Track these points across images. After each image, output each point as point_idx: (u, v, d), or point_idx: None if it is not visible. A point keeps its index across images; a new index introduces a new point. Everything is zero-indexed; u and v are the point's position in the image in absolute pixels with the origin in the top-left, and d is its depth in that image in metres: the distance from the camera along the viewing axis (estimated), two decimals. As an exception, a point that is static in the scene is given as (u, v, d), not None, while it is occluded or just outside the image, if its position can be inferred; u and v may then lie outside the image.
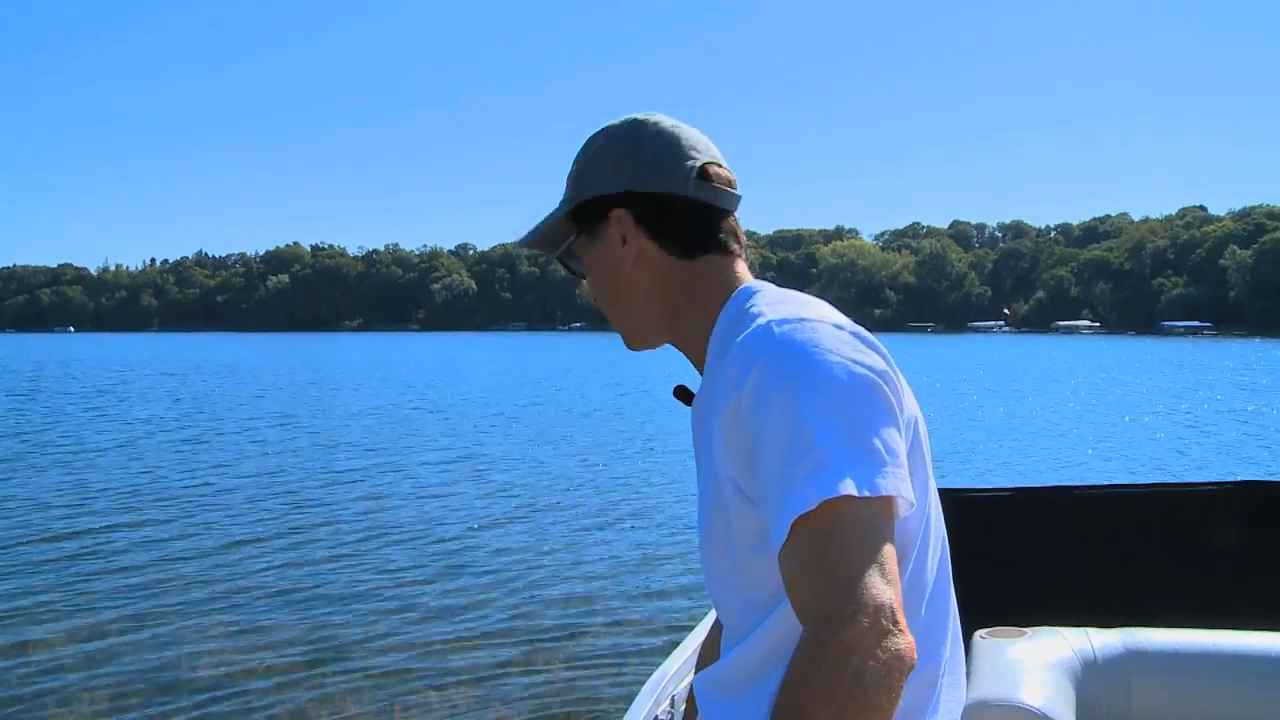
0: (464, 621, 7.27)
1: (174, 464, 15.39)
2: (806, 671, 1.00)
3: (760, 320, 1.23)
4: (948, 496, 2.88)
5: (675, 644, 2.67)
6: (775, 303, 1.28)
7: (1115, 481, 3.70)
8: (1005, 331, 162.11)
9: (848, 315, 1.23)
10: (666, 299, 1.39)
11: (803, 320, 1.20)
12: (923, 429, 1.29)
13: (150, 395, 31.57)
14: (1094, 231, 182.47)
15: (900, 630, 1.01)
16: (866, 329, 1.21)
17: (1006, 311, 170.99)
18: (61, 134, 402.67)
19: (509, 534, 10.43)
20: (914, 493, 1.16)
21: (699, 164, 1.37)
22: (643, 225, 1.37)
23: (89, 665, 6.26)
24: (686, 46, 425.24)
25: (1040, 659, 2.06)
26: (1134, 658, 2.10)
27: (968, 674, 2.07)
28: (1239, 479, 2.84)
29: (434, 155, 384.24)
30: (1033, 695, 1.90)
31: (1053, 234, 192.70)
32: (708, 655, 1.72)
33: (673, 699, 2.37)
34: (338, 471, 14.68)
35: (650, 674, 2.48)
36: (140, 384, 37.50)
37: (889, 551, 1.06)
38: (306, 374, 45.21)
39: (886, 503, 1.08)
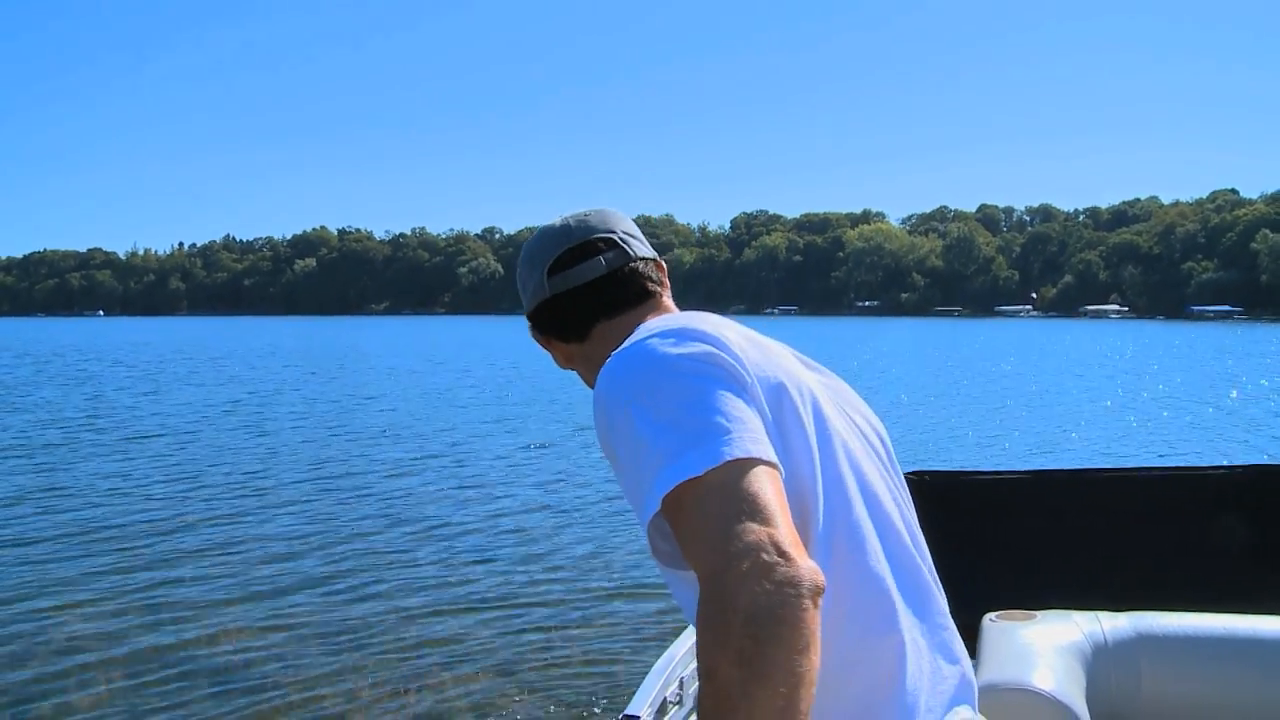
0: (477, 603, 7.29)
1: (218, 450, 15.44)
2: (701, 630, 1.01)
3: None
4: (955, 480, 2.94)
5: (684, 627, 2.63)
6: (628, 339, 1.33)
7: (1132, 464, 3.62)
8: (1033, 316, 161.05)
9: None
10: (595, 374, 1.46)
11: (631, 344, 1.28)
12: (807, 394, 1.30)
13: (201, 379, 31.72)
14: (1123, 215, 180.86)
15: (788, 558, 1.00)
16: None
17: (1034, 295, 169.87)
18: (91, 120, 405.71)
19: (530, 517, 10.45)
20: (796, 455, 1.22)
21: (547, 264, 1.53)
22: (548, 333, 1.58)
23: (107, 645, 6.30)
24: (713, 34, 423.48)
25: (1050, 642, 2.07)
26: (1144, 641, 2.11)
27: (978, 657, 2.09)
28: (1251, 463, 2.81)
29: (460, 139, 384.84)
30: (1043, 678, 1.91)
31: (1081, 217, 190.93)
32: None
33: (681, 681, 2.38)
34: (375, 457, 14.70)
35: (659, 656, 2.49)
36: (186, 367, 37.78)
37: (759, 497, 1.06)
38: (353, 357, 45.54)
39: (735, 465, 1.08)
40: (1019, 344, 61.97)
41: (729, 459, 1.08)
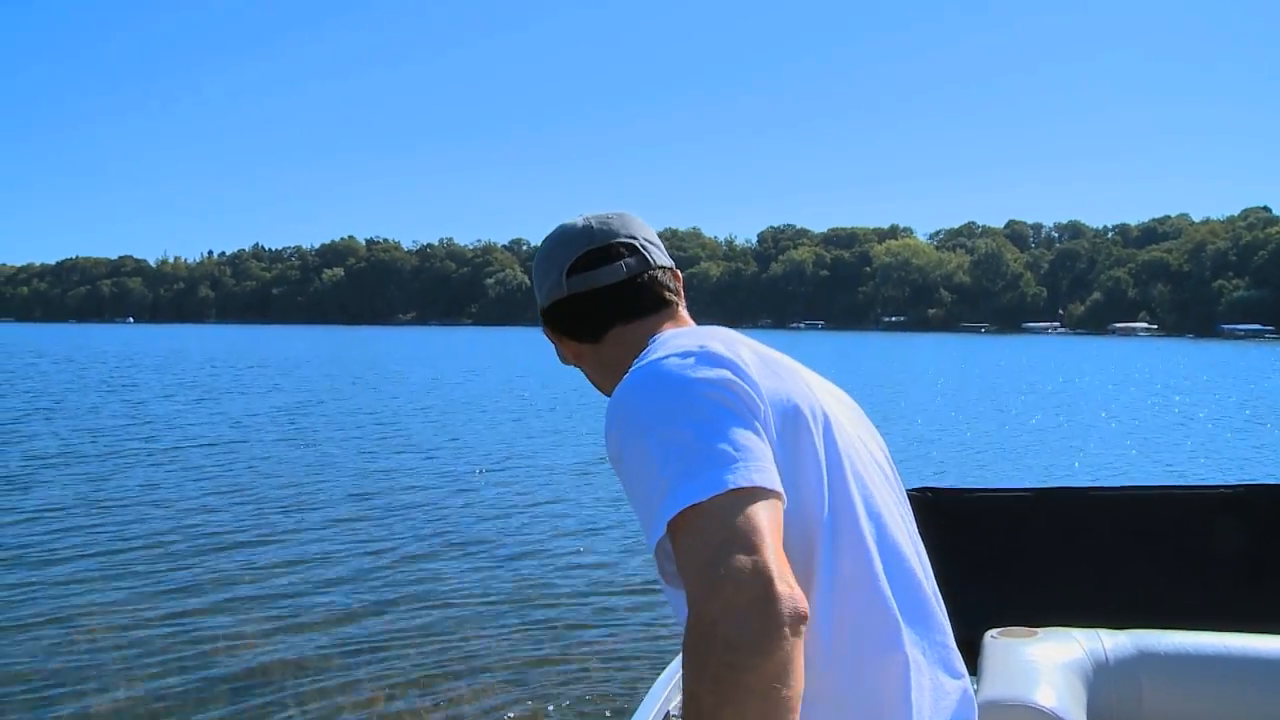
0: (488, 613, 7.35)
1: (260, 459, 15.57)
2: (685, 655, 1.03)
3: (623, 378, 1.34)
4: (959, 497, 2.94)
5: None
6: (646, 353, 1.36)
7: (1139, 483, 3.73)
8: (1060, 333, 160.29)
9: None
10: (607, 376, 1.54)
11: (650, 362, 1.30)
12: (819, 416, 1.33)
13: (245, 387, 31.94)
14: (1153, 232, 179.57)
15: (771, 588, 1.02)
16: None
17: (1061, 313, 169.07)
18: (124, 131, 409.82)
19: (546, 527, 10.55)
20: (806, 480, 1.26)
21: (567, 263, 1.54)
22: (560, 331, 1.59)
23: (130, 649, 6.39)
24: (742, 50, 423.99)
25: (1052, 659, 2.07)
26: (1145, 659, 2.11)
27: (979, 673, 2.08)
28: (1252, 481, 2.85)
29: (488, 151, 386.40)
30: (1044, 695, 1.91)
31: (1110, 234, 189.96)
32: None
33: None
34: (422, 470, 14.71)
35: (664, 668, 2.54)
36: (229, 375, 38.00)
37: (753, 527, 1.08)
38: (393, 367, 45.66)
39: (737, 494, 1.11)
40: (1045, 361, 61.71)
41: (731, 488, 1.11)
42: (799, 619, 1.03)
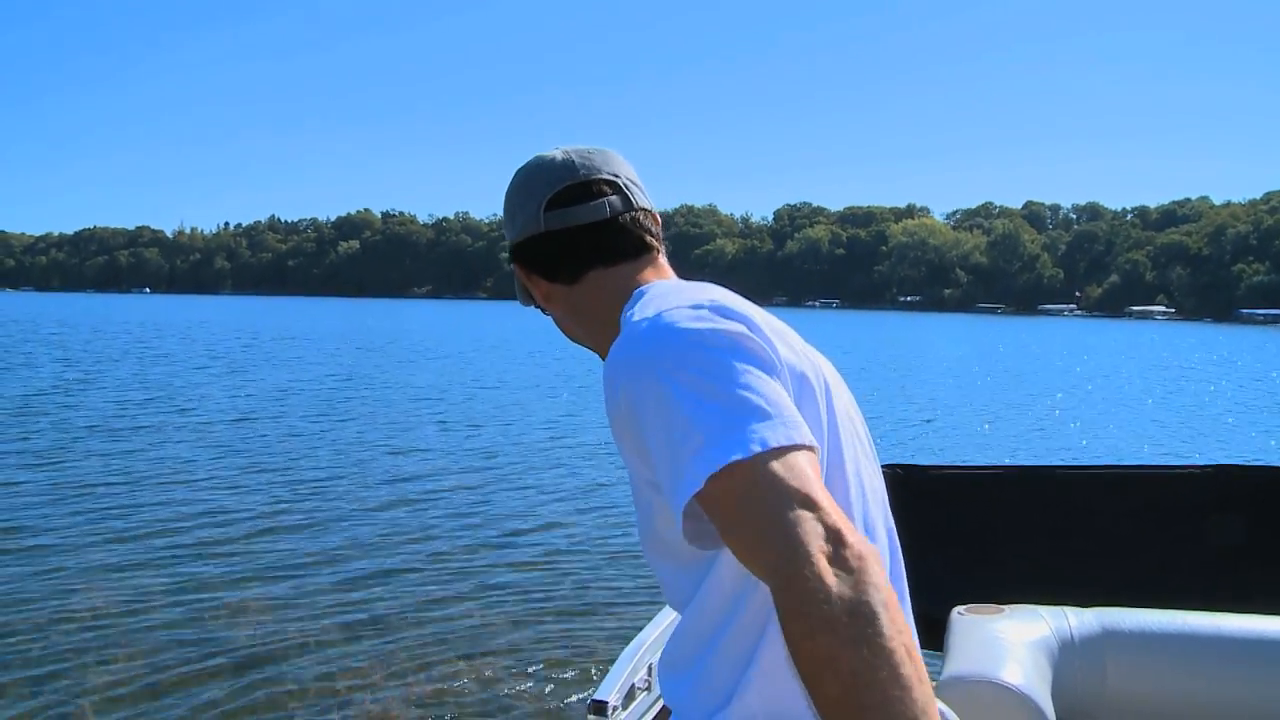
0: (456, 590, 7.36)
1: (288, 436, 15.63)
2: (796, 624, 0.99)
3: (625, 329, 1.27)
4: (929, 474, 2.97)
5: (652, 614, 2.73)
6: (645, 304, 1.30)
7: (1106, 463, 3.76)
8: (1077, 315, 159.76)
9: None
10: (580, 322, 1.49)
11: (657, 314, 1.23)
12: (822, 384, 1.30)
13: (272, 359, 31.95)
14: (1172, 215, 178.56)
15: (856, 539, 1.02)
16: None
17: (1078, 295, 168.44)
18: (142, 100, 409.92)
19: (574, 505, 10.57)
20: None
21: (545, 197, 1.45)
22: (532, 269, 1.49)
23: (130, 624, 6.38)
24: (759, 25, 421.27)
25: (1018, 636, 2.08)
26: (1110, 637, 2.14)
27: (946, 649, 2.14)
28: (1218, 462, 2.89)
29: (504, 123, 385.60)
30: (1009, 672, 1.92)
31: (1129, 217, 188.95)
32: None
33: (650, 667, 2.42)
34: (431, 447, 14.57)
35: (628, 642, 2.55)
36: (257, 348, 37.75)
37: (810, 483, 1.06)
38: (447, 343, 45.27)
39: (782, 450, 1.08)
40: (1061, 343, 61.63)
41: (775, 445, 1.08)
42: (880, 562, 1.02)
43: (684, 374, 1.14)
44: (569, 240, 1.44)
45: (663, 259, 1.49)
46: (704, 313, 1.21)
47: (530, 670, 5.82)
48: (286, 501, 10.26)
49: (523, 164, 1.52)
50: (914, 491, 2.83)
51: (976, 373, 33.18)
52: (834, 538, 1.01)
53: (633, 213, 1.46)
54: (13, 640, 6.04)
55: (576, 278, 1.45)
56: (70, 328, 50.18)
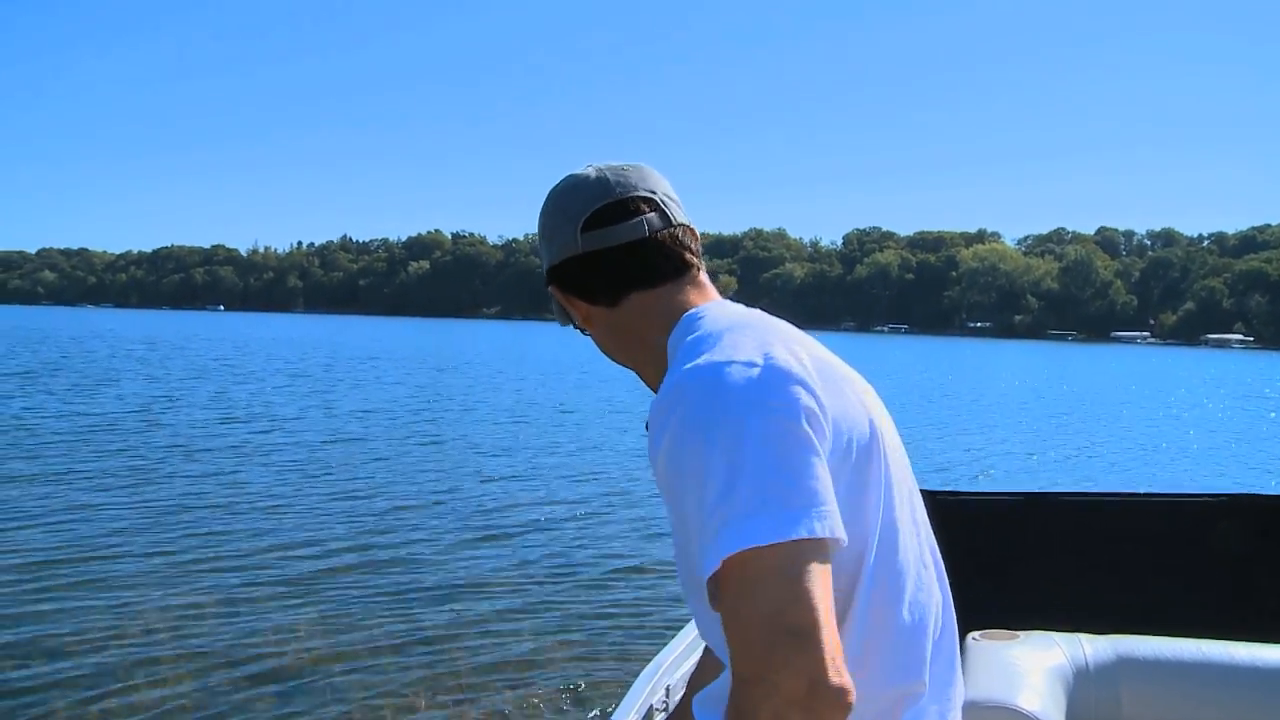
0: (482, 610, 7.36)
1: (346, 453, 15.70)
2: None
3: (675, 369, 1.25)
4: (946, 499, 3.02)
5: (673, 633, 2.75)
6: (698, 344, 1.27)
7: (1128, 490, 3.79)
8: (1150, 343, 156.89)
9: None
10: (622, 344, 1.45)
11: (710, 364, 1.20)
12: (885, 439, 1.28)
13: (360, 380, 32.06)
14: (1251, 240, 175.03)
15: (824, 683, 0.99)
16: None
17: (1152, 322, 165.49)
18: (216, 118, 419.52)
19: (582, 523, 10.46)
20: (868, 510, 1.21)
21: (583, 217, 1.40)
22: (571, 291, 1.45)
23: (180, 640, 6.42)
24: (834, 42, 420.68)
25: (1033, 662, 2.09)
26: (1125, 664, 2.13)
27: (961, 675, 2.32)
28: (1234, 491, 2.95)
29: (572, 146, 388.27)
30: (1024, 698, 1.93)
31: (1206, 243, 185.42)
32: (703, 675, 1.72)
33: (668, 689, 2.42)
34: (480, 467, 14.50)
35: (647, 663, 2.56)
36: (345, 369, 37.60)
37: (812, 593, 1.04)
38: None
39: (800, 545, 1.06)
40: (1132, 372, 60.66)
41: (796, 536, 1.06)
42: (846, 711, 1.00)
43: (725, 435, 1.12)
44: (608, 261, 1.40)
45: (703, 276, 1.45)
46: (756, 372, 1.17)
47: (544, 691, 5.83)
48: (366, 531, 10.07)
49: (555, 184, 1.48)
50: (931, 516, 2.99)
51: (1059, 401, 32.89)
52: (811, 673, 1.00)
53: (671, 229, 1.42)
54: (72, 656, 6.11)
55: (617, 300, 1.41)
56: (151, 346, 50.76)
